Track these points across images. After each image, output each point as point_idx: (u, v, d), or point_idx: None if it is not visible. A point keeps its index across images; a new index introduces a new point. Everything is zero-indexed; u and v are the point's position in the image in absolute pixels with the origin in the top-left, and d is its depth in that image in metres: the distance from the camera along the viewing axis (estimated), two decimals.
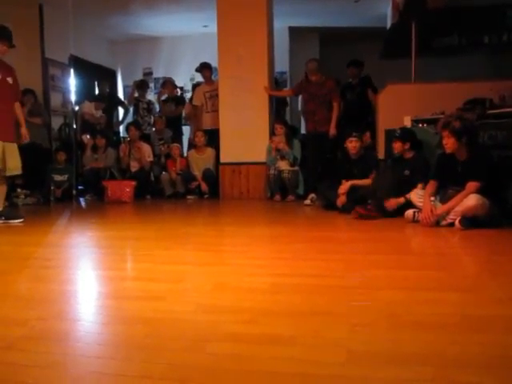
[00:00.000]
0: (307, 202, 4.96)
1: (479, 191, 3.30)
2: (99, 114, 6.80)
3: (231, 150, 5.85)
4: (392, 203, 3.89)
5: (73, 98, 7.37)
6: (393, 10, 6.22)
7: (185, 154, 6.52)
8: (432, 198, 3.56)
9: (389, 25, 6.78)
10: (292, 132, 5.90)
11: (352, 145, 4.39)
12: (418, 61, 5.84)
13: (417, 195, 3.69)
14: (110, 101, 7.23)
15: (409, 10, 5.41)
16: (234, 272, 2.29)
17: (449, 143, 3.44)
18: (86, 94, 7.48)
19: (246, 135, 5.75)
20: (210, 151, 6.08)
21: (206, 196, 5.92)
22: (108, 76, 8.34)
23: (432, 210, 3.42)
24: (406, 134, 4.15)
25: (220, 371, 1.21)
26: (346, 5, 6.97)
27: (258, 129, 5.78)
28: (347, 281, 2.07)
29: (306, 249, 2.85)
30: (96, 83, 7.47)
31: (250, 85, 5.79)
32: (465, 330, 1.45)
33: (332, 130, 5.38)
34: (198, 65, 6.62)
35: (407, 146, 4.09)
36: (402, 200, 3.87)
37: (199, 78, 7.16)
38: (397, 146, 4.13)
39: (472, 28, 6.66)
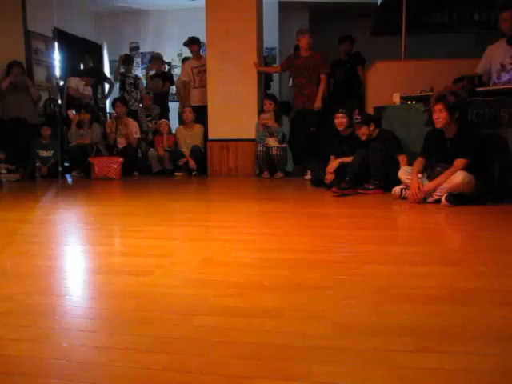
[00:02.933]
0: (307, 177, 4.94)
1: (466, 168, 3.33)
2: (88, 89, 6.67)
3: (219, 127, 5.81)
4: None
5: (57, 72, 7.21)
6: None
7: (172, 131, 6.45)
8: (419, 175, 3.58)
9: (379, 1, 6.69)
10: (284, 108, 5.85)
11: (338, 121, 4.40)
12: (409, 38, 5.79)
13: (404, 172, 3.71)
14: (94, 76, 7.09)
15: None
16: (222, 247, 2.29)
17: (441, 117, 3.44)
18: (70, 68, 7.32)
19: (235, 111, 5.70)
20: (198, 128, 6.02)
21: (193, 173, 5.89)
22: (93, 50, 8.15)
23: (419, 186, 3.45)
24: (369, 118, 4.22)
25: (207, 343, 1.22)
26: None
27: (246, 105, 5.73)
28: (334, 255, 2.09)
29: (294, 224, 2.86)
30: (81, 57, 7.30)
31: (238, 60, 5.71)
32: (449, 303, 1.48)
33: (317, 103, 5.34)
34: (185, 39, 6.49)
35: (372, 127, 4.14)
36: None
37: (187, 52, 7.03)
38: (362, 131, 4.16)
39: (462, 5, 6.62)
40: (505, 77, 3.98)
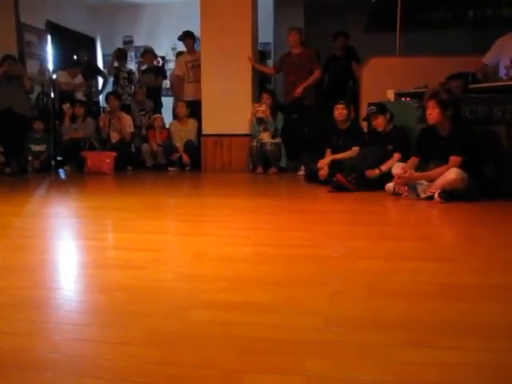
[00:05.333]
0: (301, 172, 4.92)
1: (460, 166, 3.34)
2: (78, 80, 6.61)
3: (213, 122, 5.78)
4: (371, 173, 3.91)
5: (50, 65, 7.14)
6: None
7: (166, 126, 6.42)
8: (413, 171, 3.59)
9: None
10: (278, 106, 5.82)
11: (338, 112, 4.36)
12: (403, 35, 5.80)
13: (397, 168, 3.71)
14: (88, 69, 7.03)
15: None
16: (215, 242, 2.29)
17: (433, 114, 3.45)
18: (63, 61, 7.25)
19: (229, 106, 5.68)
20: (192, 122, 5.99)
21: (187, 168, 5.87)
22: (87, 44, 8.08)
23: (410, 176, 3.48)
24: (383, 107, 4.15)
25: (199, 337, 1.22)
26: None
27: (241, 100, 5.70)
28: (328, 251, 2.09)
29: (288, 220, 2.86)
30: (74, 51, 7.23)
31: (233, 55, 5.69)
32: (442, 298, 1.49)
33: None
34: (180, 34, 6.45)
35: (388, 116, 4.09)
36: (377, 171, 3.90)
37: (181, 47, 6.99)
38: (379, 121, 4.10)
39: (457, 2, 6.63)
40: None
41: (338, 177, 3.82)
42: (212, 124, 5.79)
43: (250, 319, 1.32)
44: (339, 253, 2.04)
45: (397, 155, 3.93)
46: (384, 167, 3.88)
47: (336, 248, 2.13)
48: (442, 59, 5.03)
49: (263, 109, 5.39)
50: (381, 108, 4.13)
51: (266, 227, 2.65)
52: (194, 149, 5.88)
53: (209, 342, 1.19)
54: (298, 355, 1.11)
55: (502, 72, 3.96)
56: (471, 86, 3.84)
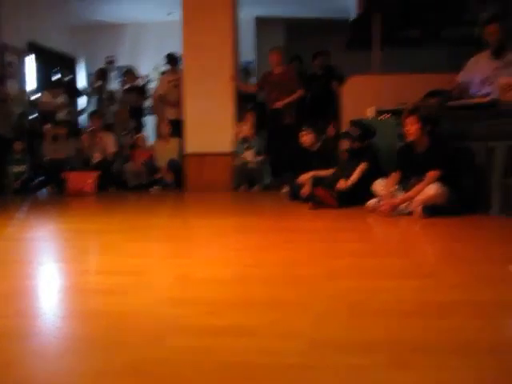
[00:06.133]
0: (285, 190, 4.91)
1: (439, 180, 3.40)
2: (60, 100, 6.57)
3: (196, 141, 5.79)
4: (341, 185, 3.98)
5: (31, 86, 7.10)
6: (358, 1, 6.27)
7: (149, 145, 6.41)
8: (395, 187, 3.63)
9: (352, 16, 6.84)
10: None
11: (303, 139, 4.44)
12: (382, 52, 5.93)
13: (379, 185, 3.75)
14: (69, 90, 7.01)
15: (371, 2, 5.46)
16: (197, 264, 2.27)
17: (412, 129, 3.52)
18: (45, 82, 7.22)
19: (211, 125, 5.70)
20: (174, 141, 6.00)
21: (170, 187, 5.84)
22: (68, 64, 8.07)
23: (393, 198, 3.50)
24: (362, 125, 4.22)
25: (179, 363, 1.20)
26: None
27: (223, 118, 5.74)
28: (310, 270, 2.09)
29: (271, 239, 2.85)
30: (55, 71, 7.21)
31: (214, 74, 5.74)
32: (424, 316, 1.49)
33: (278, 103, 5.36)
34: (162, 53, 6.50)
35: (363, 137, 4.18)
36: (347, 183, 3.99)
37: (164, 66, 7.03)
38: (347, 144, 4.20)
39: (434, 21, 6.81)
40: (486, 89, 3.99)
41: (319, 191, 3.83)
42: (195, 143, 5.80)
43: (233, 344, 1.31)
44: (322, 272, 2.04)
45: (362, 165, 3.98)
46: (352, 178, 3.97)
47: (319, 267, 2.13)
48: (420, 76, 5.14)
49: (246, 128, 5.43)
50: (358, 125, 4.20)
51: (249, 247, 2.64)
52: (177, 168, 5.87)
53: (189, 368, 1.17)
54: (282, 380, 1.10)
55: (475, 90, 4.08)
56: (448, 103, 3.93)
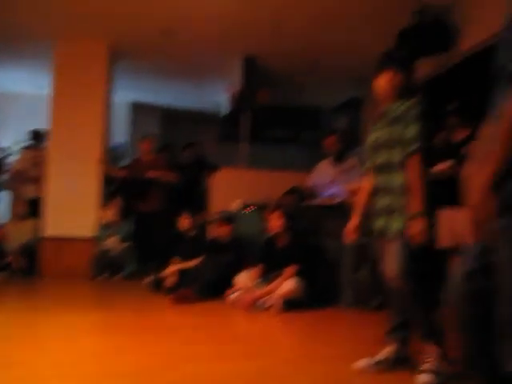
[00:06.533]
0: (148, 280, 4.67)
1: (296, 274, 3.58)
2: None
3: (55, 223, 5.37)
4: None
5: None
6: (228, 100, 6.74)
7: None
8: (255, 282, 3.72)
9: (225, 111, 7.30)
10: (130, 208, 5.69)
11: (182, 221, 4.45)
12: (251, 147, 6.36)
13: (242, 278, 3.82)
14: None
15: (241, 102, 5.91)
16: (29, 376, 1.98)
17: (275, 225, 3.73)
18: None
19: (74, 207, 5.37)
20: (30, 222, 5.51)
21: (22, 273, 5.24)
22: None
23: (253, 293, 3.58)
24: (229, 217, 4.38)
25: None
26: (188, 88, 7.34)
27: (87, 201, 5.45)
28: (164, 379, 1.96)
29: (125, 340, 2.65)
30: None
31: (82, 154, 5.52)
32: None
33: (151, 173, 5.36)
34: (27, 127, 6.14)
35: (231, 226, 4.30)
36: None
37: (26, 141, 6.62)
38: (222, 229, 4.29)
39: (294, 124, 7.60)
40: (330, 191, 4.54)
41: (175, 295, 3.76)
42: (53, 225, 5.37)
43: None
44: (176, 381, 1.93)
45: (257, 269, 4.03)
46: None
47: (172, 375, 2.01)
48: (282, 174, 5.57)
49: (111, 213, 5.24)
50: (227, 217, 4.33)
51: (97, 351, 2.42)
52: (31, 252, 5.33)
53: None
54: None
55: (323, 191, 4.61)
56: (305, 202, 4.28)
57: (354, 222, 2.28)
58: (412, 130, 2.07)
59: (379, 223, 2.18)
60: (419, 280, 2.14)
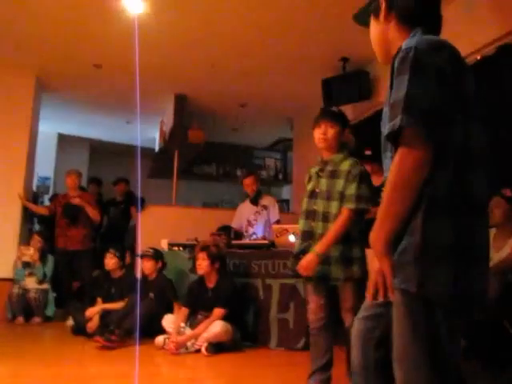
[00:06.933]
0: (69, 322, 4.33)
1: (224, 317, 3.55)
2: None
3: None
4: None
5: None
6: (160, 137, 6.72)
7: None
8: (182, 324, 3.65)
9: (157, 147, 7.26)
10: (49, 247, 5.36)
11: (107, 260, 4.26)
12: (182, 183, 6.33)
13: (168, 321, 3.72)
14: None
15: (172, 140, 5.92)
16: None
17: (202, 265, 3.69)
18: None
19: None
20: None
21: None
22: None
23: (179, 336, 3.49)
24: (159, 253, 4.26)
25: None
26: (118, 123, 7.23)
27: (4, 240, 5.11)
28: None
29: None
30: None
31: (1, 188, 5.20)
32: None
33: (76, 200, 5.13)
34: None
35: (159, 264, 4.19)
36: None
37: None
38: (149, 266, 4.15)
39: (227, 162, 7.70)
40: (251, 230, 4.68)
41: (99, 340, 3.55)
42: None
43: None
44: None
45: (177, 306, 3.95)
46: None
47: None
48: (212, 211, 5.59)
49: (31, 252, 4.93)
50: (155, 253, 4.22)
51: None
52: None
53: None
54: None
55: (244, 231, 4.73)
56: (232, 241, 4.30)
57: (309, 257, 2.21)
58: (352, 189, 2.24)
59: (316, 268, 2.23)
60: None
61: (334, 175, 2.29)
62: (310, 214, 2.32)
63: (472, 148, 1.09)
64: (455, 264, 1.04)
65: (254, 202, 4.77)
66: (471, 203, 1.07)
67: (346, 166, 2.28)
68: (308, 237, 2.30)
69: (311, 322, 2.34)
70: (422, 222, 1.04)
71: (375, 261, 1.13)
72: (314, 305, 2.32)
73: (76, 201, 5.12)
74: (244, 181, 4.81)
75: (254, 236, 4.52)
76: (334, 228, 2.21)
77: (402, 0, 1.21)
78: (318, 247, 2.19)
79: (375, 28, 1.28)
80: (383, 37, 1.25)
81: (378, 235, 1.08)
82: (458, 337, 1.12)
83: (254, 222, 4.69)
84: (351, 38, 4.42)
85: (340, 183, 2.26)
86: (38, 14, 4.18)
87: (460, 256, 1.04)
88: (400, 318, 1.08)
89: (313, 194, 2.34)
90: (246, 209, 4.84)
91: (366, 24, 1.31)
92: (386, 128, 1.09)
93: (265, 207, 4.72)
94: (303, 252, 2.27)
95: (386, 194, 1.08)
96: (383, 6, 1.23)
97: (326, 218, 2.26)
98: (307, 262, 2.19)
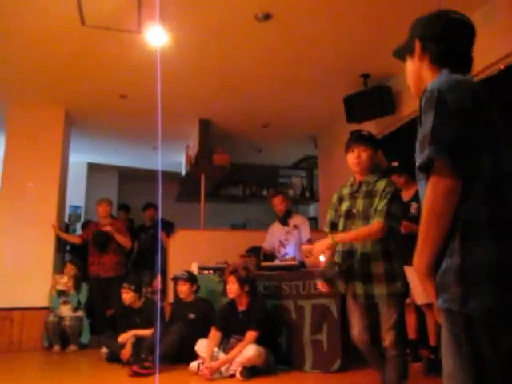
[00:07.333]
0: (104, 350, 4.40)
1: (257, 340, 3.51)
2: None
3: (3, 292, 5.08)
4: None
5: None
6: (186, 161, 6.81)
7: None
8: (215, 349, 3.63)
9: (184, 171, 7.36)
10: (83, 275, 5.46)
11: (124, 296, 4.25)
12: (209, 206, 6.38)
13: (201, 346, 3.71)
14: None
15: (198, 164, 5.99)
16: None
17: (232, 289, 3.68)
18: None
19: (23, 276, 5.11)
20: None
21: None
22: None
23: (213, 362, 3.48)
24: (193, 276, 4.30)
25: None
26: (144, 149, 7.38)
27: (39, 269, 5.23)
28: None
29: None
30: None
31: (35, 219, 5.35)
32: None
33: (107, 227, 5.25)
34: None
35: (195, 287, 4.21)
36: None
37: None
38: (185, 289, 4.18)
39: (253, 182, 7.73)
40: (283, 251, 4.64)
41: (134, 369, 3.56)
42: (2, 295, 5.08)
43: None
44: None
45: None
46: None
47: None
48: (241, 233, 5.59)
49: (64, 281, 5.03)
50: (190, 277, 4.25)
51: None
52: None
53: None
54: None
55: (276, 252, 4.67)
56: (262, 264, 4.28)
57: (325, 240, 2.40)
58: (383, 204, 2.29)
59: (356, 287, 2.31)
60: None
61: (370, 195, 2.36)
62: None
63: (506, 173, 1.16)
64: (496, 282, 1.07)
65: (284, 221, 4.74)
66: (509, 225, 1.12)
67: (381, 185, 2.34)
68: (348, 256, 2.33)
69: (360, 344, 2.36)
70: (459, 245, 1.11)
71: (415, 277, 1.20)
72: (359, 326, 2.34)
73: (107, 228, 5.23)
74: (272, 200, 4.82)
75: (287, 256, 4.47)
76: (360, 231, 2.30)
77: (434, 44, 1.33)
78: (338, 237, 2.34)
79: (410, 65, 1.41)
80: (417, 75, 1.38)
81: (419, 261, 1.16)
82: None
83: (286, 242, 4.65)
84: (372, 54, 4.43)
85: (375, 201, 2.32)
86: (64, 50, 4.35)
87: (501, 275, 1.08)
88: (445, 337, 1.13)
89: (349, 215, 2.40)
90: (276, 229, 4.81)
91: (404, 60, 1.44)
92: (417, 160, 1.19)
93: (296, 227, 4.67)
94: (345, 271, 2.33)
95: (422, 221, 1.16)
96: (417, 47, 1.36)
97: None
98: (320, 243, 2.36)
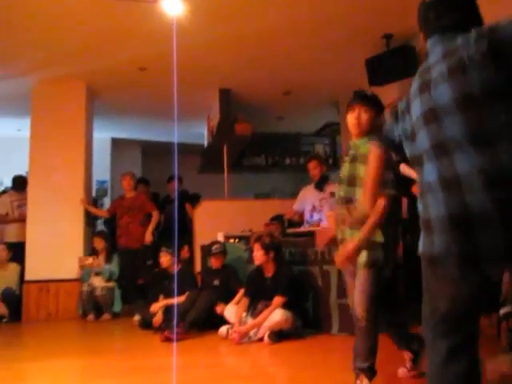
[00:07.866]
0: (136, 318, 4.53)
1: (284, 305, 3.57)
2: None
3: (39, 266, 5.29)
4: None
5: None
6: (208, 132, 6.81)
7: None
8: (244, 314, 3.71)
9: (206, 143, 7.38)
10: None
11: (162, 259, 4.40)
12: (232, 176, 6.39)
13: (229, 311, 3.80)
14: None
15: (220, 134, 5.98)
16: None
17: (258, 255, 3.73)
18: None
19: (57, 249, 5.31)
20: (12, 267, 5.42)
21: (4, 320, 5.13)
22: None
23: (241, 326, 3.56)
24: (224, 247, 4.36)
25: None
26: (167, 123, 7.40)
27: (70, 242, 5.41)
28: None
29: None
30: None
31: (64, 195, 5.49)
32: None
33: (147, 237, 5.37)
34: (7, 168, 6.11)
35: (224, 258, 4.29)
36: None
37: (7, 182, 6.59)
38: (219, 262, 4.27)
39: (275, 151, 7.70)
40: (316, 216, 4.58)
41: (166, 334, 3.67)
42: (37, 269, 5.29)
43: None
44: None
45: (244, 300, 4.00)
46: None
47: None
48: (264, 202, 5.62)
49: (90, 262, 5.20)
50: (224, 249, 4.31)
51: None
52: (13, 298, 5.23)
53: None
54: None
55: (307, 217, 4.62)
56: (287, 230, 4.30)
57: (345, 249, 2.13)
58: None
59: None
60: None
61: (354, 160, 2.20)
62: (337, 201, 2.28)
63: None
64: None
65: (319, 187, 4.62)
66: None
67: (365, 150, 2.05)
68: (339, 223, 2.26)
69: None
70: None
71: None
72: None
73: (148, 241, 5.37)
74: (307, 165, 4.74)
75: (322, 223, 4.39)
76: (369, 222, 2.06)
77: None
78: (359, 240, 2.08)
79: None
80: None
81: None
82: None
83: (320, 208, 4.55)
84: (394, 13, 4.27)
85: (359, 168, 2.14)
86: (82, 24, 4.35)
87: None
88: None
89: (339, 180, 2.28)
90: (310, 193, 4.70)
91: None
92: None
93: (332, 194, 4.56)
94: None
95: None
96: None
97: (348, 203, 2.18)
98: (346, 249, 2.11)
